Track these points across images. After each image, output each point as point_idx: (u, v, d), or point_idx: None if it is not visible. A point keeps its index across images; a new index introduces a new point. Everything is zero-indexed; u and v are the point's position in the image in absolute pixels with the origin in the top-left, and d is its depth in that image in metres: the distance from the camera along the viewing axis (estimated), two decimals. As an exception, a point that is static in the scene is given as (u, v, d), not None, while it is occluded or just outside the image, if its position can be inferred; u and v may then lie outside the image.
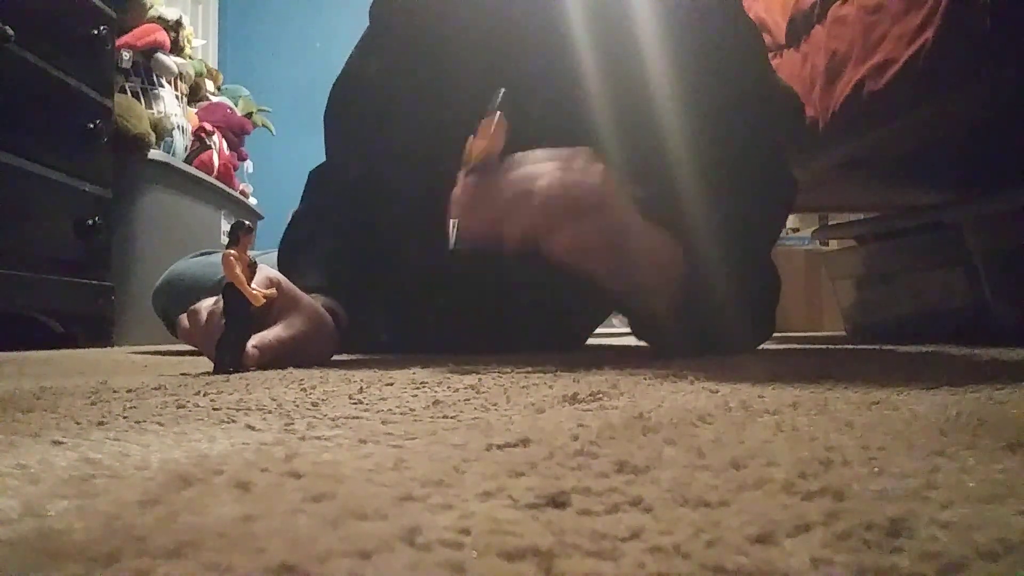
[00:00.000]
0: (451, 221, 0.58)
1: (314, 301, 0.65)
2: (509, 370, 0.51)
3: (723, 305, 0.63)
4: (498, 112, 0.58)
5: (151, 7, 1.97)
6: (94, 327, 1.46)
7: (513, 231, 0.55)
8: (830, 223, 2.10)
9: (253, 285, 0.56)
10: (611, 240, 0.57)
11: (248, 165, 2.59)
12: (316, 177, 0.90)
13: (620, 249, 0.58)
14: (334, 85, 0.90)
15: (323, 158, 0.92)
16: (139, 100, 1.88)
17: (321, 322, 0.65)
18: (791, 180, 0.81)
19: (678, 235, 0.62)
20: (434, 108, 0.80)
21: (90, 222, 1.41)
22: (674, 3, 0.73)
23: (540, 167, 0.57)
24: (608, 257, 0.58)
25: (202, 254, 1.10)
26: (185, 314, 0.61)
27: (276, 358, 0.58)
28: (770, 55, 1.41)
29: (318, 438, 0.25)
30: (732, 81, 0.72)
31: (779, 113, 0.81)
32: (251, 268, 0.56)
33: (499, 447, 0.22)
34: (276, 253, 0.84)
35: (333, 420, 0.29)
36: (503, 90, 0.59)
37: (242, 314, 0.55)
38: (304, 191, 0.89)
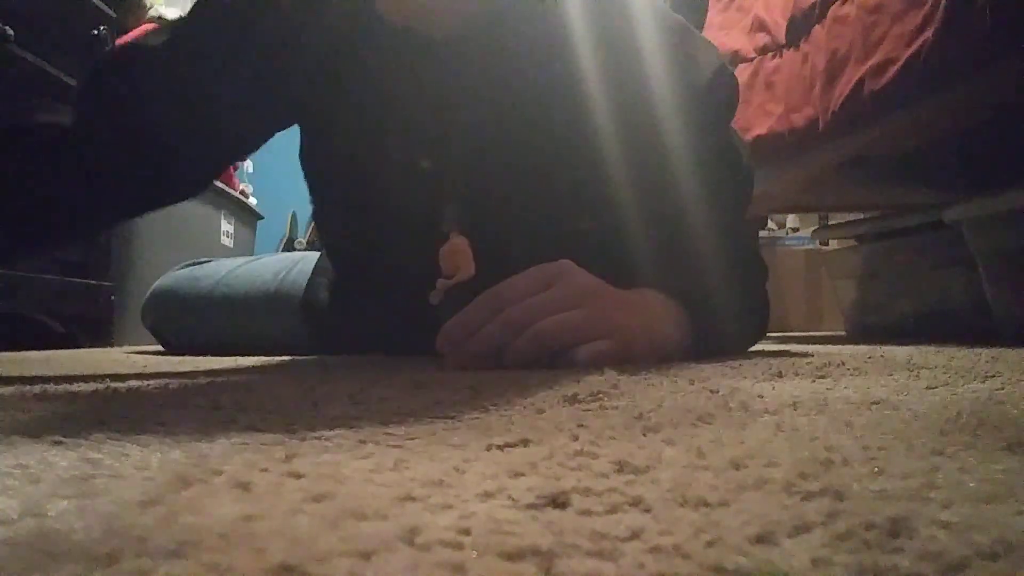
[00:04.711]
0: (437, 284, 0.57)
1: None
2: (509, 370, 0.51)
3: (724, 318, 0.63)
4: (458, 239, 0.55)
5: (151, 7, 1.97)
6: (94, 327, 1.45)
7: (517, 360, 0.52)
8: (830, 223, 2.11)
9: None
10: (631, 347, 0.55)
11: (248, 165, 2.59)
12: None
13: (647, 343, 0.56)
14: None
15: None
16: (139, 100, 1.88)
17: None
18: (747, 168, 0.77)
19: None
20: (382, 132, 0.77)
21: (90, 222, 1.40)
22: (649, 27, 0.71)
23: (535, 302, 0.53)
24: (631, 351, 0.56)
25: (187, 265, 1.10)
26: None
27: None
28: (770, 55, 1.41)
29: (318, 438, 0.25)
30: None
31: (726, 106, 0.78)
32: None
33: (499, 447, 0.22)
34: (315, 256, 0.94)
35: (333, 420, 0.29)
36: (449, 206, 0.55)
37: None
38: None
